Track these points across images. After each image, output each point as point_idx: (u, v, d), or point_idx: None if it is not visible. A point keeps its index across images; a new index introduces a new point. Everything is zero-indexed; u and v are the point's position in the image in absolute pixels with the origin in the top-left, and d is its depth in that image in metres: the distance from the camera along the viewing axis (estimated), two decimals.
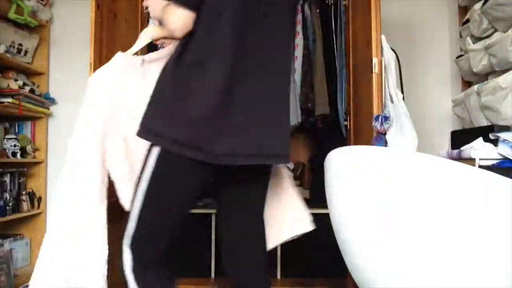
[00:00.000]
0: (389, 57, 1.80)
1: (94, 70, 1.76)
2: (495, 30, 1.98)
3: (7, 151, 2.23)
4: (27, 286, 2.24)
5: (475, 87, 2.07)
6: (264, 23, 1.13)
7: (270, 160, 1.16)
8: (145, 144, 1.12)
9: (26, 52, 2.38)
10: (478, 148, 1.68)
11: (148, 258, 1.17)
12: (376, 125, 1.66)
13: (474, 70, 2.12)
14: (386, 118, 1.65)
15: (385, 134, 1.67)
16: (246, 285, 1.27)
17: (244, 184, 1.22)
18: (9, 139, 2.26)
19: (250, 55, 1.11)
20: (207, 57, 1.08)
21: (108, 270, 1.37)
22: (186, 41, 1.10)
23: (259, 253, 1.31)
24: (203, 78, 1.07)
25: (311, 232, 2.31)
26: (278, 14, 1.17)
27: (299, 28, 2.42)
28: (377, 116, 1.66)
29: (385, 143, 1.67)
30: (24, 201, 2.31)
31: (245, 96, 1.10)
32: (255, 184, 1.25)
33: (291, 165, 2.67)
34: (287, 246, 2.38)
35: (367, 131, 1.86)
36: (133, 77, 1.35)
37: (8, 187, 2.27)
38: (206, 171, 1.12)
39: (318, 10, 2.45)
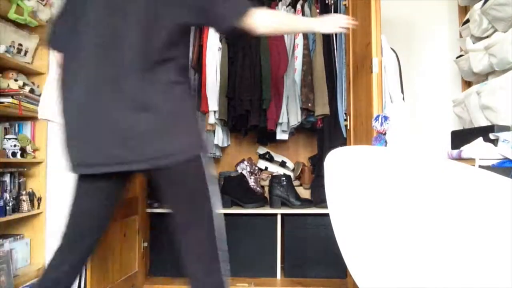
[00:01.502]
0: (389, 57, 1.80)
1: None
2: (495, 30, 1.98)
3: (7, 151, 2.23)
4: (27, 286, 2.25)
5: (475, 87, 2.07)
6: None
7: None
8: None
9: (26, 52, 2.38)
10: (478, 148, 1.68)
11: None
12: (376, 125, 1.66)
13: (474, 70, 2.12)
14: (386, 118, 1.65)
15: (385, 134, 1.67)
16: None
17: None
18: (9, 139, 2.25)
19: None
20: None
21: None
22: None
23: None
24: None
25: (311, 232, 2.32)
26: None
27: None
28: (377, 116, 1.67)
29: (385, 143, 1.67)
30: (24, 201, 2.30)
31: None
32: None
33: (291, 165, 2.67)
34: (287, 246, 2.39)
35: (367, 131, 1.86)
36: None
37: (8, 187, 2.26)
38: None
39: (318, 10, 2.45)
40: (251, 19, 1.23)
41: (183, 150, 1.18)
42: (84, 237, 1.29)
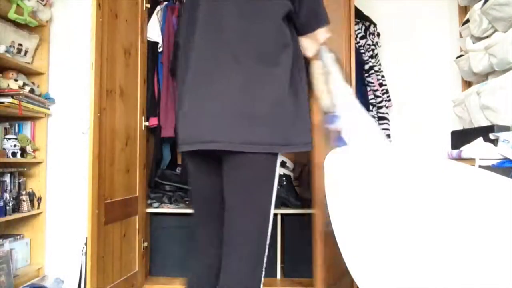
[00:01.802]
0: (328, 58, 1.78)
1: (95, 70, 1.76)
2: (495, 30, 1.98)
3: (7, 151, 2.23)
4: (27, 286, 2.25)
5: (475, 87, 2.08)
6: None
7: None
8: None
9: (26, 52, 2.38)
10: (478, 148, 1.68)
11: None
12: (332, 125, 1.61)
13: (474, 70, 2.12)
14: (335, 117, 1.61)
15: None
16: None
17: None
18: (9, 139, 2.26)
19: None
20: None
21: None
22: None
23: None
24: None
25: (311, 232, 2.31)
26: None
27: None
28: (331, 117, 1.61)
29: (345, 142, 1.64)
30: (24, 201, 2.30)
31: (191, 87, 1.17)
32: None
33: (291, 165, 2.67)
34: (287, 246, 2.39)
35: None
36: None
37: (8, 187, 2.27)
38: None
39: None
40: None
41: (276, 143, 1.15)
42: (215, 217, 1.29)
